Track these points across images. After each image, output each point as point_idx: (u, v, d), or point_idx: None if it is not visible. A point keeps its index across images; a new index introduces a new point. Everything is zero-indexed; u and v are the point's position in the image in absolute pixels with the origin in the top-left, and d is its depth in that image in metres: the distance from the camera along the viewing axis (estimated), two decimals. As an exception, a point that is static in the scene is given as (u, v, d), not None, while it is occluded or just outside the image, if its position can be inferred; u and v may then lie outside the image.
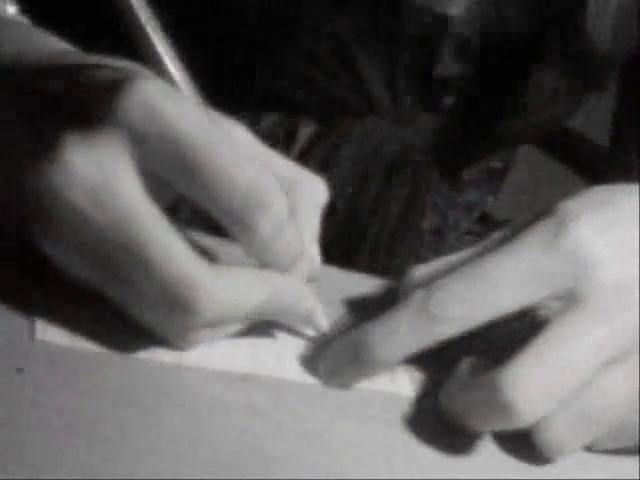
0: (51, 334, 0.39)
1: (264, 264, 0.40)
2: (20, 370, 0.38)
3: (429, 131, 0.65)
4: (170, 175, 0.38)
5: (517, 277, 0.41)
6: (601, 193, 0.45)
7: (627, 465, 0.44)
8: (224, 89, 0.62)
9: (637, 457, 0.45)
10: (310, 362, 0.43)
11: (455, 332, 0.41)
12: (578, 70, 0.63)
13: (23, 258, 0.41)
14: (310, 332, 0.43)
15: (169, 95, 0.38)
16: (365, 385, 0.42)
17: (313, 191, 0.43)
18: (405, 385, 0.43)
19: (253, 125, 0.64)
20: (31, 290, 0.41)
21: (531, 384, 0.39)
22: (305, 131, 0.64)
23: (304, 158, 0.64)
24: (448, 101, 0.64)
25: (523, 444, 0.42)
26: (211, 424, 0.39)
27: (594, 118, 0.87)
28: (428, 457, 0.41)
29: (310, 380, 0.42)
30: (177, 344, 0.40)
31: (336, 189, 0.64)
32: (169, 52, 0.46)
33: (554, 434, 0.41)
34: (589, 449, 0.43)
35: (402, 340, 0.41)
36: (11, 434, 0.35)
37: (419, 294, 0.41)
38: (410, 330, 0.41)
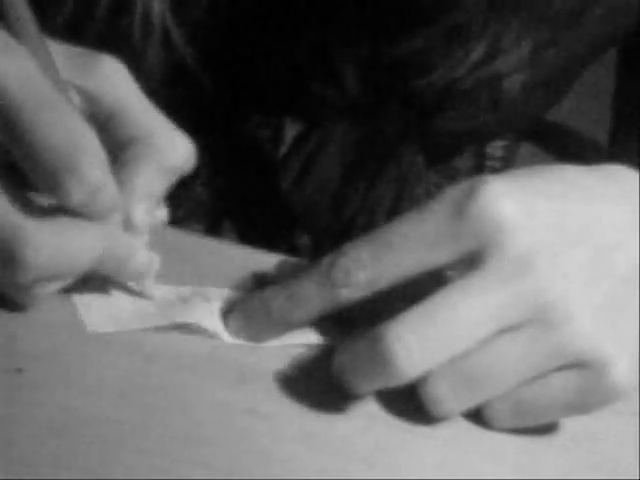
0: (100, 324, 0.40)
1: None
2: (19, 370, 0.38)
3: (413, 130, 0.65)
4: None
5: (419, 240, 0.41)
6: (525, 170, 0.44)
7: (627, 465, 0.44)
8: (208, 91, 0.63)
9: (637, 456, 0.45)
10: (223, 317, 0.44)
11: (358, 296, 0.41)
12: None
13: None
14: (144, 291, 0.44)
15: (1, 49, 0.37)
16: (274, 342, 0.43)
17: (164, 149, 0.42)
18: (310, 334, 0.44)
19: (238, 126, 0.64)
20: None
21: (413, 340, 0.39)
22: (291, 131, 0.65)
23: (290, 157, 0.64)
24: (429, 100, 0.64)
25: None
26: (211, 424, 0.39)
27: (593, 117, 0.87)
28: (429, 455, 0.41)
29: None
30: (18, 300, 0.39)
31: (323, 187, 0.64)
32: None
33: (436, 392, 0.41)
34: (491, 427, 0.43)
35: (308, 303, 0.42)
36: (11, 434, 0.35)
37: (325, 260, 0.42)
38: (316, 294, 0.42)
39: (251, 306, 0.43)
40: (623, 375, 0.41)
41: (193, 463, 0.37)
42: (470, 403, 0.42)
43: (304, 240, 0.67)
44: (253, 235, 0.67)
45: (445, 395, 0.41)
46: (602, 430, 0.46)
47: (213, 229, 0.68)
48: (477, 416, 0.43)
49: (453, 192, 0.41)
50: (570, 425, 0.45)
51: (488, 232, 0.40)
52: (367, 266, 0.41)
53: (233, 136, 0.66)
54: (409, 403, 0.43)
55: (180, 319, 0.42)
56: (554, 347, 0.41)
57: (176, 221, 0.67)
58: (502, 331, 0.40)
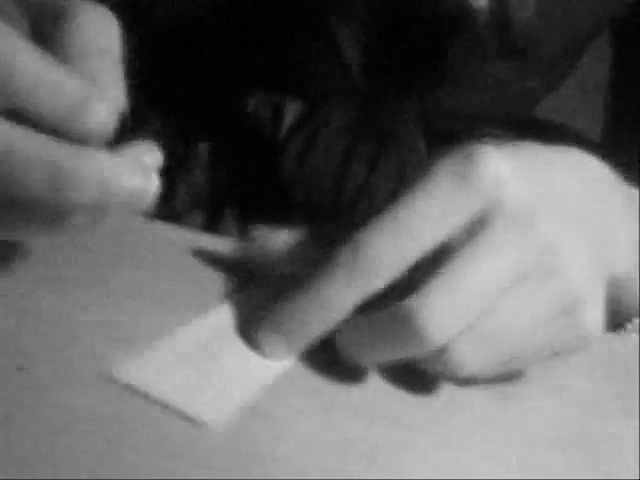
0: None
1: None
2: (20, 369, 0.38)
3: (411, 111, 0.66)
4: None
5: (431, 215, 0.41)
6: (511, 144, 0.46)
7: (627, 465, 0.44)
8: (209, 69, 0.63)
9: (637, 456, 0.45)
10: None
11: (387, 282, 0.41)
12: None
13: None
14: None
15: None
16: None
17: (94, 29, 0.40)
18: None
19: (240, 105, 0.65)
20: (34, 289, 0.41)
21: (439, 309, 0.40)
22: (292, 110, 0.65)
23: (290, 139, 0.65)
24: (426, 79, 0.65)
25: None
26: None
27: (590, 116, 0.88)
28: (428, 455, 0.41)
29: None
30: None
31: (323, 168, 0.65)
32: None
33: (459, 354, 0.41)
34: (471, 381, 0.44)
35: (342, 302, 0.42)
36: (11, 433, 0.35)
37: (343, 255, 0.41)
38: (347, 290, 0.41)
39: (280, 320, 0.43)
40: (598, 318, 0.44)
41: (193, 463, 0.37)
42: (492, 360, 0.42)
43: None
44: (254, 223, 0.67)
45: (469, 356, 0.41)
46: (602, 430, 0.46)
47: (214, 219, 0.68)
48: (477, 414, 0.43)
49: (451, 160, 0.42)
50: (570, 425, 0.45)
51: (491, 191, 0.42)
52: (389, 251, 0.41)
53: (233, 117, 0.66)
54: (409, 402, 0.43)
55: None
56: (558, 292, 0.43)
57: (176, 211, 0.67)
58: (513, 284, 0.42)
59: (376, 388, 0.44)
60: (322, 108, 0.65)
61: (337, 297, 0.41)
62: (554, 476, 0.42)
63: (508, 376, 0.45)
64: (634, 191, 0.51)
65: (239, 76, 0.65)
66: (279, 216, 0.67)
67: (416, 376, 0.44)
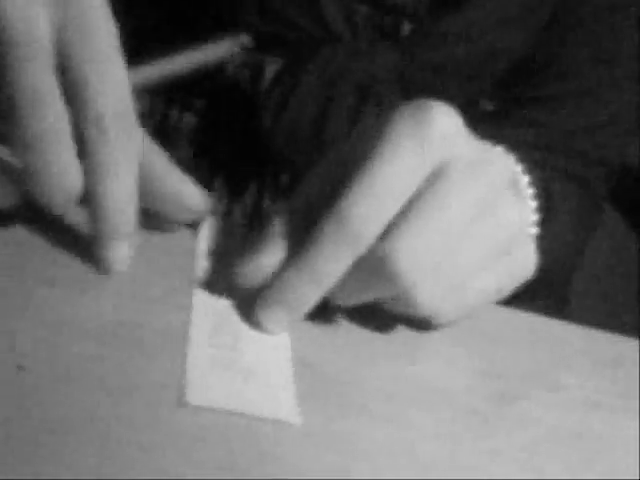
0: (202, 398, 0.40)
1: None
2: (21, 368, 0.38)
3: (391, 62, 0.68)
4: None
5: (398, 178, 0.43)
6: None
7: (627, 465, 0.44)
8: (190, 22, 0.64)
9: (637, 456, 0.45)
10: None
11: (371, 242, 0.43)
12: None
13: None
14: None
15: None
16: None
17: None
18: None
19: (220, 68, 0.66)
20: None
21: (411, 251, 0.43)
22: (270, 68, 0.67)
23: (270, 93, 0.67)
24: (405, 30, 0.67)
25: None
26: (212, 424, 0.39)
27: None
28: (429, 455, 0.41)
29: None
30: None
31: (300, 119, 0.66)
32: None
33: (420, 293, 0.44)
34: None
35: (335, 269, 0.43)
36: (11, 432, 0.35)
37: (330, 224, 0.43)
38: (340, 255, 0.43)
39: (277, 294, 0.44)
40: (532, 256, 0.48)
41: (193, 462, 0.37)
42: (449, 298, 0.45)
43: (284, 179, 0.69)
44: (241, 187, 0.69)
45: (430, 295, 0.44)
46: (602, 430, 0.46)
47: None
48: (477, 414, 0.43)
49: (404, 120, 0.44)
50: (570, 424, 0.45)
51: (446, 144, 0.44)
52: (371, 217, 0.43)
53: (214, 82, 0.67)
54: (411, 402, 0.43)
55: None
56: (502, 231, 0.46)
57: None
58: (474, 220, 0.44)
59: (377, 388, 0.44)
60: (300, 62, 0.66)
61: (328, 266, 0.43)
62: (554, 476, 0.42)
63: (461, 317, 0.47)
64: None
65: (216, 29, 0.66)
66: (262, 173, 0.69)
67: (417, 376, 0.45)
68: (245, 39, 0.66)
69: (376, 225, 0.43)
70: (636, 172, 1.18)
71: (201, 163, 0.70)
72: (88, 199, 0.43)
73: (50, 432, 0.36)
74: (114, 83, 0.42)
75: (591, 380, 0.49)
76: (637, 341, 0.54)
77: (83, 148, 0.42)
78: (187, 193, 0.47)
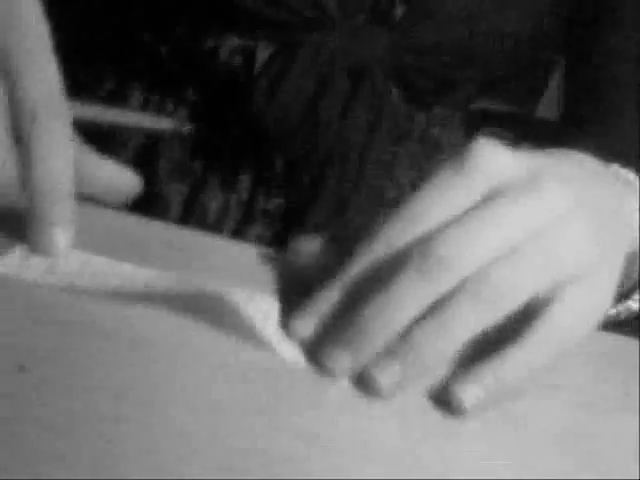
0: None
1: None
2: (22, 368, 0.38)
3: (385, 45, 0.68)
4: None
5: (451, 204, 0.44)
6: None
7: (627, 464, 0.44)
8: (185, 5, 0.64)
9: (637, 456, 0.45)
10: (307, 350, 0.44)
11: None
12: None
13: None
14: None
15: None
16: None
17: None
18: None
19: (213, 53, 0.66)
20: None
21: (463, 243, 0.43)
22: (263, 53, 0.67)
23: (262, 76, 0.67)
24: (398, 12, 0.67)
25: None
26: (212, 423, 0.39)
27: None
28: (429, 454, 0.41)
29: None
30: None
31: (291, 100, 0.66)
32: None
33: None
34: None
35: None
36: (12, 432, 0.35)
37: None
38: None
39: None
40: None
41: (193, 462, 0.37)
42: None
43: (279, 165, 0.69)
44: (236, 175, 0.70)
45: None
46: (602, 430, 0.46)
47: (197, 189, 0.69)
48: (477, 414, 0.43)
49: (453, 159, 0.45)
50: (570, 425, 0.45)
51: (489, 173, 0.45)
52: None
53: (206, 66, 0.67)
54: (409, 401, 0.43)
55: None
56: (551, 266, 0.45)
57: (156, 184, 0.69)
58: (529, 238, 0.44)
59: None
60: (293, 46, 0.67)
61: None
62: (554, 476, 0.42)
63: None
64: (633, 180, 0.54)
65: (212, 14, 0.66)
66: (256, 156, 0.69)
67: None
68: (180, 125, 0.68)
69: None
70: None
71: (195, 153, 0.70)
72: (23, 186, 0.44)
73: (50, 433, 0.36)
74: (43, 73, 0.44)
75: (591, 380, 0.49)
76: (637, 341, 0.54)
77: (18, 139, 0.44)
78: (119, 176, 0.47)
